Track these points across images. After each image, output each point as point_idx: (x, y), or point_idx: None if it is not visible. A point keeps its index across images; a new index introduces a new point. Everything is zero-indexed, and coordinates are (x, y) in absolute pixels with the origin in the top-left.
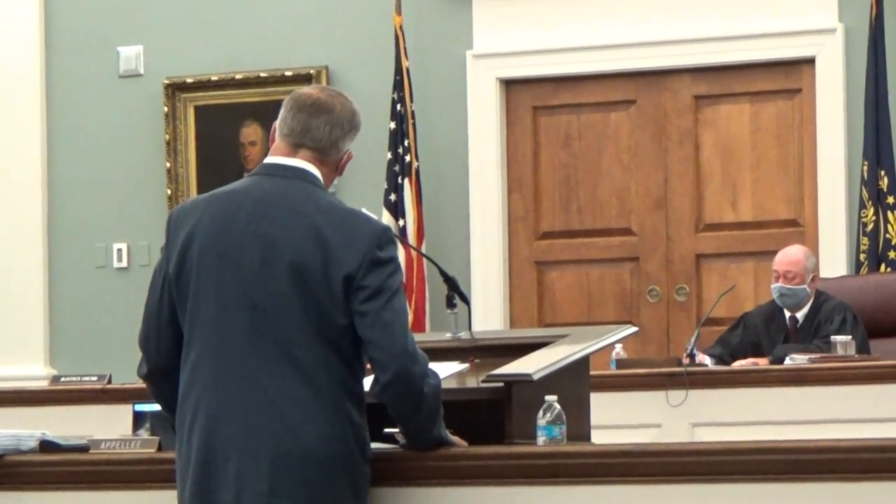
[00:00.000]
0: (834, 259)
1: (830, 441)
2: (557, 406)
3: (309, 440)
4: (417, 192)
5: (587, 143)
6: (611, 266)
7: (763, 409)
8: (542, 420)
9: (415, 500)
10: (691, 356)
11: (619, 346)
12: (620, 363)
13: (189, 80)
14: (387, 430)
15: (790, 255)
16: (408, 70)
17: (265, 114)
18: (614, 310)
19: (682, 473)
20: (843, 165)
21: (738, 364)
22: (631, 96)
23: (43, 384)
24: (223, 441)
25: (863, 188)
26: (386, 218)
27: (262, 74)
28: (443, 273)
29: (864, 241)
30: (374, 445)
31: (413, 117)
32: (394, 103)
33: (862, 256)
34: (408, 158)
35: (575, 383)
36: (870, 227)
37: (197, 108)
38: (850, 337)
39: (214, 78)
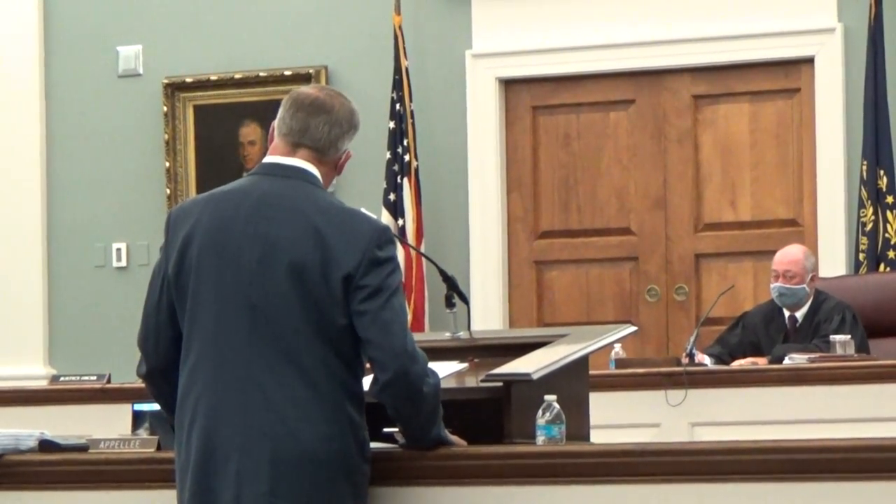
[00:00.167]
0: (833, 259)
1: (830, 441)
2: (557, 406)
3: (308, 440)
4: (417, 192)
5: (586, 142)
6: (610, 266)
7: (762, 408)
8: (542, 420)
9: (414, 500)
10: (690, 356)
11: (618, 346)
12: (620, 363)
13: (188, 80)
14: (386, 429)
15: (789, 254)
16: (407, 70)
17: (264, 113)
18: (613, 309)
19: (681, 473)
20: (843, 165)
21: (738, 364)
22: (630, 96)
23: (42, 384)
24: (223, 441)
25: (862, 188)
26: (385, 217)
27: (262, 74)
28: (442, 272)
29: (864, 240)
30: (373, 445)
31: (412, 117)
32: (393, 103)
33: (861, 256)
34: (407, 158)
35: (574, 383)
36: (869, 226)
37: (196, 108)
38: (849, 336)
39: (213, 77)
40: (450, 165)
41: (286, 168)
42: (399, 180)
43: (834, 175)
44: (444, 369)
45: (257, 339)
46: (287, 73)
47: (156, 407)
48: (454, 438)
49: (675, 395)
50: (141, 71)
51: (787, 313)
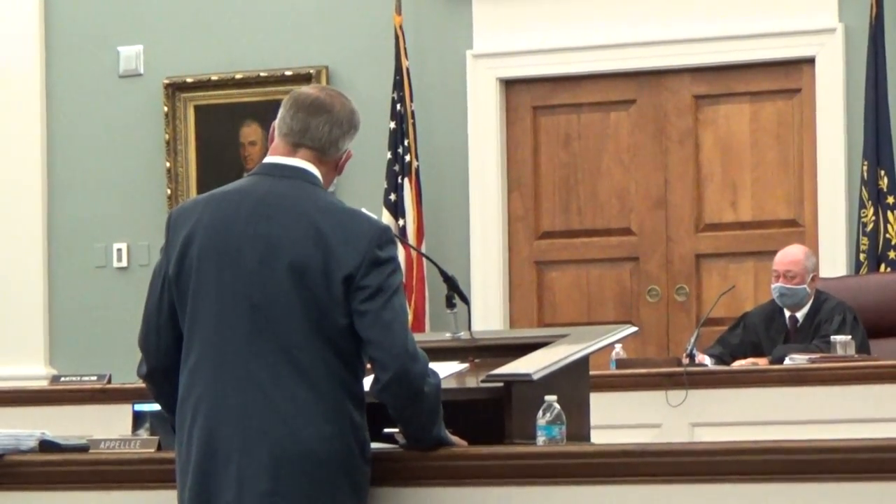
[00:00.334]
0: (834, 259)
1: (830, 441)
2: (557, 406)
3: (309, 440)
4: (417, 192)
5: (587, 142)
6: (610, 266)
7: (763, 409)
8: (542, 420)
9: (415, 500)
10: (691, 356)
11: (618, 346)
12: (620, 363)
13: (189, 80)
14: (387, 430)
15: (790, 254)
16: (408, 70)
17: (265, 114)
18: (614, 310)
19: (681, 473)
20: (843, 165)
21: (738, 364)
22: (631, 96)
23: (43, 384)
24: (223, 442)
25: (862, 188)
26: (386, 218)
27: (262, 74)
28: (442, 273)
29: (864, 240)
30: (374, 445)
31: (413, 117)
32: (394, 103)
33: (862, 256)
34: (408, 158)
35: (575, 383)
36: (869, 226)
37: (197, 108)
38: (849, 337)
39: (214, 78)
40: (450, 165)
41: (287, 168)
42: (400, 180)
43: (835, 175)
44: (444, 370)
45: (258, 339)
46: (288, 73)
47: (156, 407)
48: (455, 439)
49: (676, 395)
50: (142, 71)
51: (787, 313)
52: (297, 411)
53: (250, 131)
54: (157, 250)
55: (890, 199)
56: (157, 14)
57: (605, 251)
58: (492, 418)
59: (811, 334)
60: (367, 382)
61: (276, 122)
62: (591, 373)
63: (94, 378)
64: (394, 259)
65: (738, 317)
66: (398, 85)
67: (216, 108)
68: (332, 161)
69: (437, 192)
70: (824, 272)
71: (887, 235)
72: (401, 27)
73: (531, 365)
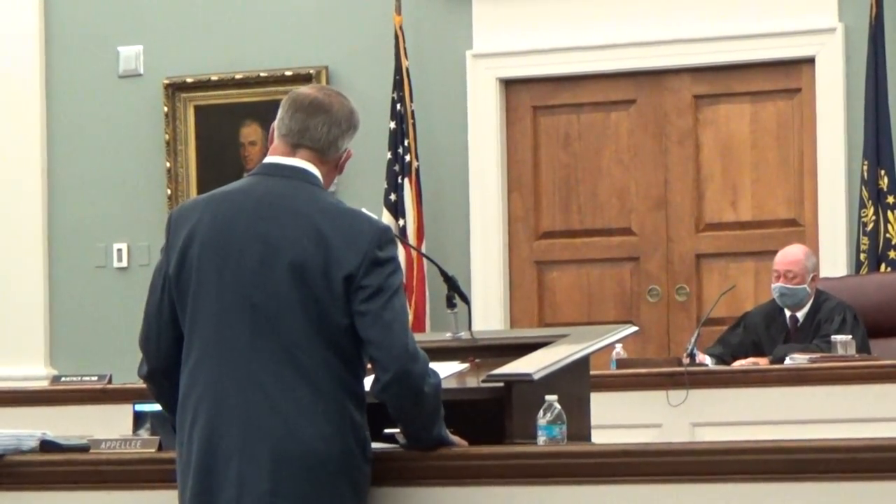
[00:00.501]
0: (834, 259)
1: (831, 441)
2: (558, 406)
3: (309, 440)
4: (417, 192)
5: (587, 142)
6: (611, 266)
7: (763, 408)
8: (543, 420)
9: (415, 500)
10: (691, 356)
11: (619, 346)
12: (621, 363)
13: (189, 80)
14: (387, 430)
15: (790, 254)
16: (408, 70)
17: (265, 114)
18: (614, 309)
19: (682, 473)
20: (843, 165)
21: (739, 364)
22: (631, 96)
23: (43, 384)
24: (224, 442)
25: (863, 188)
26: (386, 218)
27: (262, 74)
28: (443, 273)
29: (864, 240)
30: (374, 445)
31: (413, 117)
32: (394, 103)
33: (862, 256)
34: (408, 158)
35: (575, 383)
36: (870, 226)
37: (197, 108)
38: (850, 336)
39: (214, 78)
40: (450, 165)
41: (287, 168)
42: (400, 180)
43: (835, 175)
44: (445, 370)
45: (258, 339)
46: (288, 73)
47: (157, 407)
48: (455, 439)
49: (677, 395)
50: (141, 71)
51: (788, 313)
52: (297, 411)
53: (250, 131)
54: (157, 250)
55: (890, 199)
56: (156, 14)
57: (606, 251)
58: (492, 418)
59: (811, 334)
60: (368, 382)
61: (276, 123)
62: (592, 373)
63: (95, 378)
64: (394, 259)
65: (739, 317)
66: (398, 85)
67: (216, 108)
68: (332, 161)
69: (438, 192)
70: (825, 272)
71: (887, 235)
72: (401, 27)
73: (532, 365)
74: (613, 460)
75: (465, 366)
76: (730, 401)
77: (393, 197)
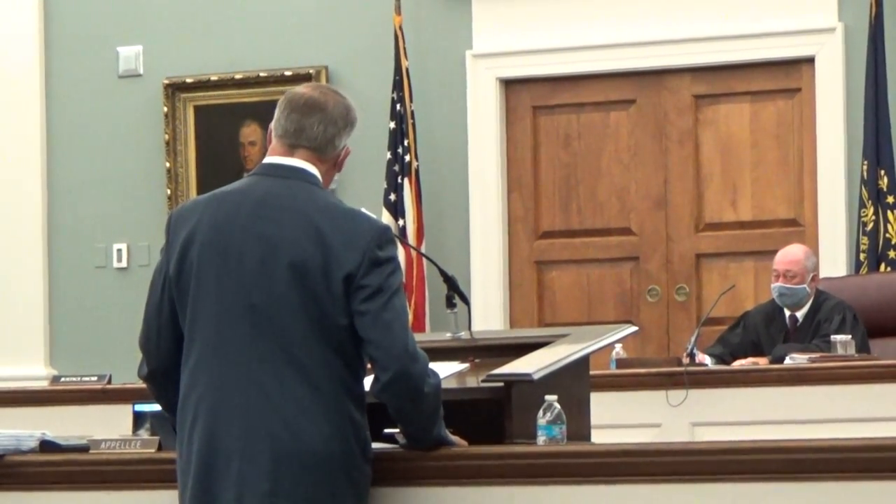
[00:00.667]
0: (834, 258)
1: (830, 440)
2: (557, 406)
3: (309, 440)
4: (417, 192)
5: (587, 142)
6: (611, 266)
7: (763, 408)
8: (543, 420)
9: (415, 500)
10: (691, 356)
11: (618, 346)
12: (620, 363)
13: (188, 81)
14: (387, 430)
15: (790, 254)
16: (407, 70)
17: (265, 114)
18: (614, 309)
19: (682, 473)
20: (843, 165)
21: (738, 364)
22: (631, 96)
23: (43, 384)
24: (224, 442)
25: (862, 187)
26: (386, 218)
27: (262, 74)
28: (442, 273)
29: (864, 240)
30: (374, 445)
31: (413, 117)
32: (393, 103)
33: (862, 256)
34: (407, 158)
35: (575, 383)
36: (869, 226)
37: (196, 108)
38: (849, 336)
39: (214, 78)
40: (450, 165)
41: (286, 168)
42: (399, 180)
43: (834, 175)
44: (444, 369)
45: (258, 339)
46: (287, 73)
47: (157, 407)
48: (455, 439)
49: (676, 395)
50: (141, 71)
51: (787, 313)
52: (297, 411)
53: (250, 131)
54: (157, 251)
55: (890, 199)
56: (156, 14)
57: (606, 251)
58: (492, 418)
59: (811, 334)
60: (367, 382)
61: (273, 124)
62: (592, 372)
63: (95, 378)
64: (394, 259)
65: (739, 316)
66: (398, 85)
67: (216, 108)
68: (331, 159)
69: (437, 192)
70: (824, 272)
71: (887, 235)
72: (400, 27)
73: (531, 365)
74: (613, 460)
75: (465, 366)
76: (729, 401)
77: (393, 197)
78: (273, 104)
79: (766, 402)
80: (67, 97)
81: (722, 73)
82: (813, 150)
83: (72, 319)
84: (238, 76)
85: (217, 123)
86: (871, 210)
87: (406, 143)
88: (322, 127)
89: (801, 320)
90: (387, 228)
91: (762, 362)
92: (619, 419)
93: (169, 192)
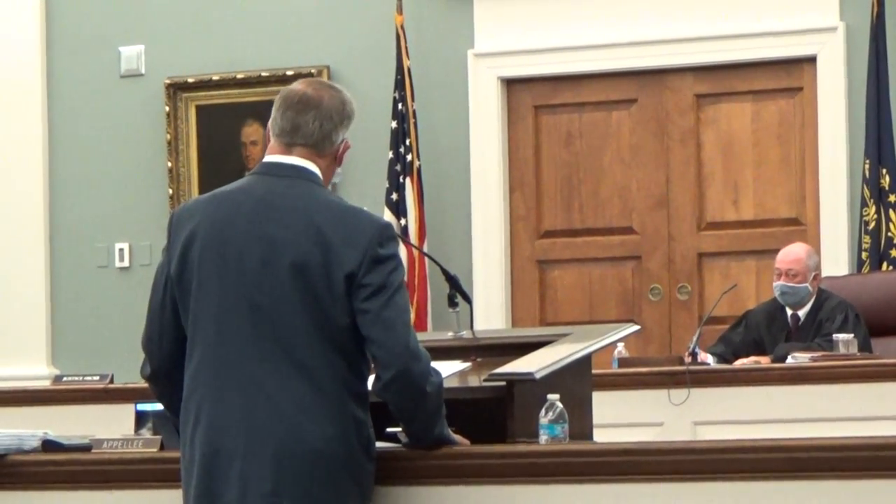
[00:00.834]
0: (836, 257)
1: (832, 439)
2: (559, 405)
3: (312, 440)
4: (419, 191)
5: (588, 141)
6: (612, 265)
7: (765, 407)
8: (545, 419)
9: (417, 499)
10: (693, 355)
11: (620, 345)
12: (622, 362)
13: (190, 80)
14: (389, 429)
15: (792, 253)
16: (409, 69)
17: (266, 113)
18: (616, 308)
19: (684, 472)
20: (845, 164)
21: (740, 363)
22: (632, 95)
23: (45, 384)
24: (226, 443)
25: (864, 186)
26: (388, 217)
27: (264, 74)
28: (444, 272)
29: (866, 239)
30: (376, 444)
31: (414, 116)
32: (395, 102)
33: (864, 255)
34: (409, 157)
35: (577, 382)
36: (871, 225)
37: (198, 108)
38: (851, 335)
39: (216, 77)
40: (452, 165)
41: (285, 167)
42: (401, 180)
43: (836, 174)
44: (446, 368)
45: (260, 339)
46: (289, 72)
47: (159, 407)
48: (457, 438)
49: (678, 394)
50: (143, 71)
51: (789, 312)
52: (299, 411)
53: (252, 131)
54: (158, 250)
55: (892, 198)
56: (158, 14)
57: (607, 250)
58: (494, 417)
59: (813, 333)
60: (370, 381)
61: (270, 123)
62: (594, 371)
63: (97, 378)
64: (395, 256)
65: (740, 315)
66: (399, 84)
67: (217, 107)
68: (329, 154)
69: (439, 192)
70: (826, 271)
71: (889, 234)
72: (402, 27)
73: (533, 364)
74: (615, 459)
75: (467, 365)
76: (731, 400)
77: (395, 196)
78: None
79: (767, 401)
80: (69, 97)
81: (723, 73)
82: (814, 149)
83: (74, 319)
84: (240, 76)
85: (219, 123)
86: (873, 209)
87: (408, 142)
88: (318, 123)
89: (802, 319)
90: (388, 225)
91: (764, 361)
92: (621, 418)
93: (171, 191)
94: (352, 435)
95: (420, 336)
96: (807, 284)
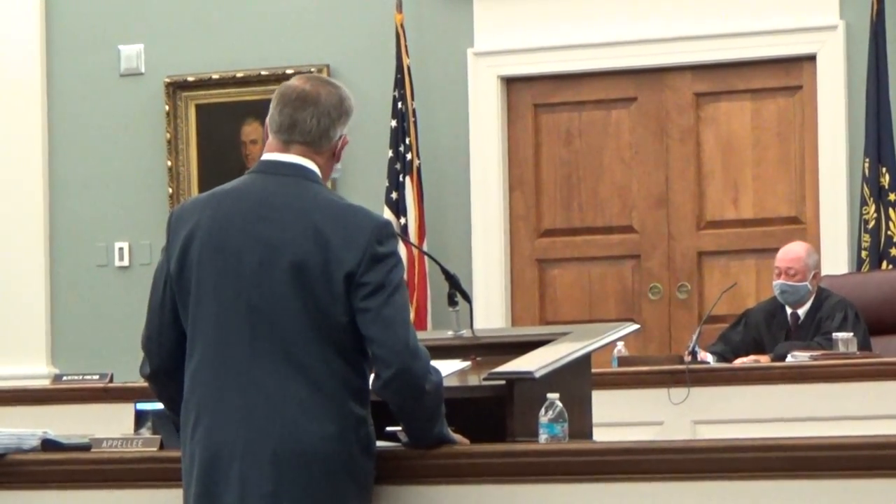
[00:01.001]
0: (835, 256)
1: (832, 438)
2: (559, 404)
3: (311, 440)
4: (419, 190)
5: (588, 140)
6: (612, 264)
7: (765, 406)
8: (544, 418)
9: (417, 498)
10: (693, 354)
11: (620, 344)
12: (622, 361)
13: (190, 79)
14: (389, 428)
15: (792, 251)
16: (409, 68)
17: (266, 112)
18: (616, 307)
19: (683, 471)
20: (845, 162)
21: (740, 361)
22: (632, 94)
23: (45, 383)
24: (226, 443)
25: (864, 185)
26: (387, 216)
27: (263, 73)
28: (444, 271)
29: (866, 238)
30: (376, 444)
31: (414, 115)
32: (395, 101)
33: (863, 254)
34: (409, 156)
35: (577, 381)
36: (871, 224)
37: (198, 107)
38: (851, 334)
39: (215, 76)
40: (452, 163)
41: (284, 166)
42: (401, 178)
43: (836, 172)
44: (446, 367)
45: (259, 340)
46: (289, 71)
47: (158, 406)
48: (457, 437)
49: (678, 393)
50: (143, 70)
51: (789, 310)
52: (299, 411)
53: (251, 130)
54: (158, 249)
55: (891, 196)
56: (157, 13)
57: (607, 249)
58: (494, 416)
59: (813, 331)
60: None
61: (268, 119)
62: (593, 370)
63: (96, 377)
64: (394, 254)
65: (740, 314)
66: (399, 83)
67: (217, 106)
68: (328, 151)
69: (439, 190)
70: (826, 269)
71: (889, 232)
72: (402, 25)
73: (533, 363)
74: (615, 458)
75: (467, 364)
76: (731, 398)
77: (394, 195)
78: None
79: (767, 399)
80: (69, 96)
81: (723, 71)
82: (814, 147)
83: (73, 318)
84: (239, 74)
85: (218, 122)
86: (873, 207)
87: (407, 141)
88: (315, 120)
89: (802, 318)
90: (387, 223)
91: (764, 360)
92: (620, 417)
93: (170, 190)
94: (351, 434)
95: (420, 335)
96: (806, 283)
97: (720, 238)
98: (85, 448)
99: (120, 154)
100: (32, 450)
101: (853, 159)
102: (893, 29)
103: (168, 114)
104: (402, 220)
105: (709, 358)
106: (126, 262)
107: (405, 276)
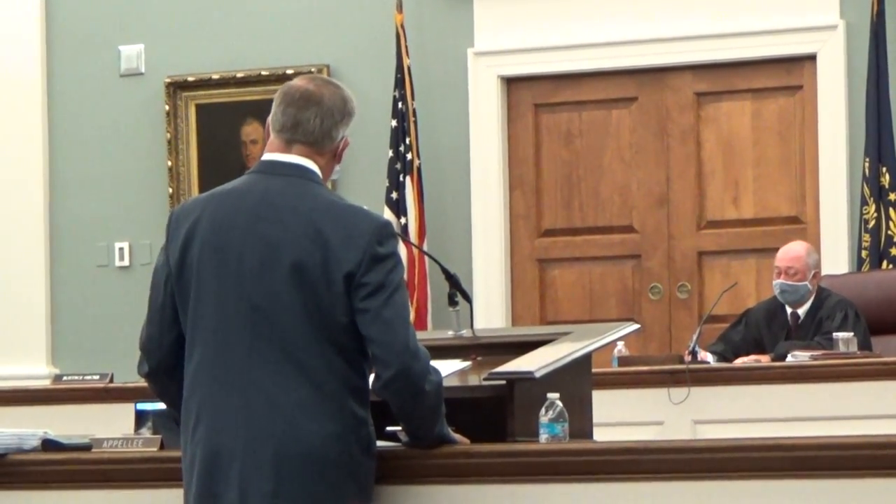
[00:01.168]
0: (836, 256)
1: (833, 438)
2: (559, 404)
3: (311, 440)
4: (419, 190)
5: (588, 140)
6: (612, 263)
7: (765, 406)
8: (545, 418)
9: (417, 498)
10: (693, 353)
11: (620, 344)
12: (622, 361)
13: (190, 79)
14: (389, 428)
15: (792, 251)
16: (409, 68)
17: (266, 112)
18: (616, 307)
19: (684, 471)
20: (845, 162)
21: (741, 361)
22: (632, 93)
23: (45, 383)
24: (226, 443)
25: (864, 185)
26: (388, 216)
27: (264, 73)
28: (444, 271)
29: (866, 237)
30: (376, 443)
31: (414, 115)
32: (395, 101)
33: (864, 253)
34: (409, 156)
35: (577, 381)
36: (871, 223)
37: (198, 107)
38: (851, 334)
39: (216, 76)
40: (452, 163)
41: (284, 166)
42: (401, 178)
43: (836, 172)
44: (446, 367)
45: (259, 340)
46: (289, 71)
47: (159, 406)
48: (457, 437)
49: (678, 392)
50: (143, 70)
51: (789, 310)
52: (299, 411)
53: (252, 130)
54: (158, 249)
55: (892, 196)
56: (158, 13)
57: (607, 249)
58: (494, 416)
59: (813, 331)
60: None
61: (270, 118)
62: (594, 370)
63: (97, 377)
64: (394, 254)
65: (740, 314)
66: (399, 83)
67: (217, 106)
68: (329, 152)
69: (439, 190)
70: (826, 269)
71: (889, 232)
72: (402, 25)
73: (533, 363)
74: (615, 458)
75: (467, 364)
76: (731, 398)
77: (394, 195)
78: None
79: (768, 399)
80: (69, 96)
81: (723, 71)
82: (814, 147)
83: (73, 318)
84: (240, 74)
85: (219, 122)
86: (873, 207)
87: (408, 140)
88: (318, 120)
89: (802, 317)
90: (387, 223)
91: (764, 360)
92: (621, 417)
93: (171, 190)
94: (352, 434)
95: (420, 335)
96: (806, 283)
97: (720, 238)
98: (85, 448)
99: (120, 154)
100: (33, 450)
101: (853, 159)
102: (893, 29)
103: (168, 114)
104: (403, 220)
105: (709, 358)
106: (126, 262)
107: (405, 277)
